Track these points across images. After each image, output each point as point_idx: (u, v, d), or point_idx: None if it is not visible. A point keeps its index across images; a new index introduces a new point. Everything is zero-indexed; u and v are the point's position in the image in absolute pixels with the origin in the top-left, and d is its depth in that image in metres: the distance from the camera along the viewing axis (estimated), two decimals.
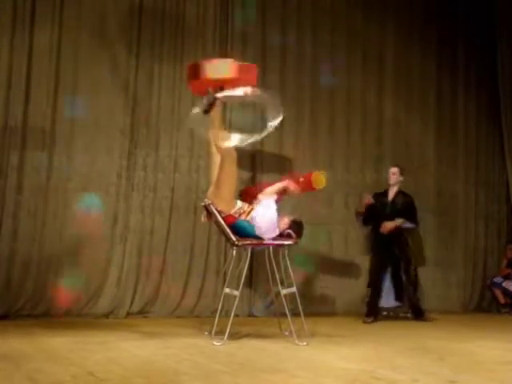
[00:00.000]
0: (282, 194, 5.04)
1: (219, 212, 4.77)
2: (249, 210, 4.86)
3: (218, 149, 4.85)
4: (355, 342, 4.80)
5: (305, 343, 4.55)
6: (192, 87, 5.28)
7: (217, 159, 4.91)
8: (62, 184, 6.22)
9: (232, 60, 5.05)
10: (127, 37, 6.56)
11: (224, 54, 6.91)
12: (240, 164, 6.57)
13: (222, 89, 4.86)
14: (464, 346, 4.74)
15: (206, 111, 4.79)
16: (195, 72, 4.98)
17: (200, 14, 6.90)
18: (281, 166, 7.09)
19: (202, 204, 4.88)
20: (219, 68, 4.90)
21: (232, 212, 4.80)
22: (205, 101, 4.79)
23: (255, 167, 6.93)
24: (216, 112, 4.83)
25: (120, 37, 6.53)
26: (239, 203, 4.88)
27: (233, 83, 4.86)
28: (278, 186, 5.00)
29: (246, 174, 6.76)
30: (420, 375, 3.44)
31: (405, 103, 7.87)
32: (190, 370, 3.48)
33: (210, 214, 4.85)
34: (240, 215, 4.82)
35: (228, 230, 4.75)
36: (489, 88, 8.30)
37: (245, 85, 4.84)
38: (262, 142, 6.85)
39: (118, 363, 3.60)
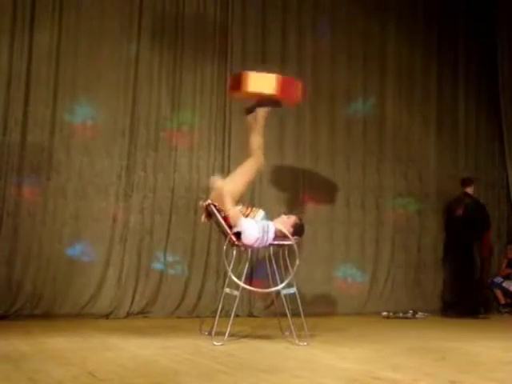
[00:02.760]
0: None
1: (219, 211, 4.76)
2: (248, 212, 4.86)
3: (252, 150, 4.97)
4: (355, 342, 4.80)
5: (305, 343, 4.54)
6: (234, 96, 5.29)
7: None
8: (62, 184, 6.23)
9: (276, 76, 4.95)
10: (127, 37, 6.57)
11: (224, 54, 6.92)
12: None
13: (268, 100, 4.92)
14: (464, 346, 4.74)
15: (247, 111, 4.99)
16: (238, 82, 4.93)
17: (200, 13, 6.90)
18: (281, 166, 7.09)
19: (204, 203, 4.86)
20: (262, 82, 4.87)
21: None
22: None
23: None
24: (254, 120, 4.98)
25: (120, 37, 6.54)
26: (239, 206, 4.87)
27: (275, 98, 4.91)
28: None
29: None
30: (420, 375, 3.44)
31: (406, 103, 7.88)
32: (190, 369, 3.48)
33: (210, 214, 4.84)
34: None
35: (228, 230, 4.74)
36: (489, 88, 8.30)
37: (288, 100, 5.00)
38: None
39: (118, 363, 3.60)
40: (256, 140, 4.97)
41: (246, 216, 4.80)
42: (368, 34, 7.69)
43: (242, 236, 4.66)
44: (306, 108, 7.27)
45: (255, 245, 4.68)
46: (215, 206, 4.74)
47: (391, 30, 7.85)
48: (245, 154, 5.05)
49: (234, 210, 4.70)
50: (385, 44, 7.82)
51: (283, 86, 4.89)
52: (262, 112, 5.00)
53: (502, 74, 8.20)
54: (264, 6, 7.19)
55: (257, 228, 4.66)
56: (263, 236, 4.66)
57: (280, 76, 4.95)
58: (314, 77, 7.37)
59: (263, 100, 4.97)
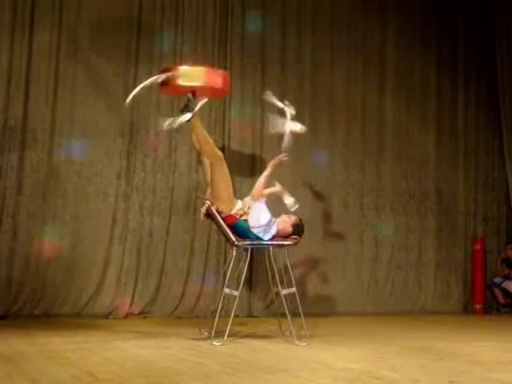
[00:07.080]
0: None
1: (219, 212, 4.77)
2: (249, 211, 4.85)
3: (203, 152, 4.89)
4: (355, 342, 4.80)
5: (305, 343, 4.54)
6: (164, 91, 5.27)
7: (205, 160, 4.96)
8: (62, 184, 6.23)
9: (204, 68, 5.03)
10: (127, 37, 6.56)
11: (224, 55, 6.93)
12: (240, 168, 6.63)
13: (194, 93, 4.78)
14: (464, 346, 4.74)
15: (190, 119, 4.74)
16: (167, 78, 4.89)
17: (200, 14, 6.90)
18: (281, 167, 7.07)
19: (204, 208, 4.86)
20: (192, 76, 4.85)
21: (232, 213, 4.80)
22: (186, 107, 4.73)
23: (255, 170, 6.88)
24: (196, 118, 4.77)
25: (119, 37, 6.54)
26: (239, 203, 4.87)
27: (205, 90, 4.87)
28: (267, 191, 4.98)
29: (247, 179, 6.70)
30: (420, 375, 3.44)
31: (405, 103, 7.88)
32: (190, 370, 3.48)
33: (209, 214, 4.84)
34: (241, 216, 4.82)
35: (228, 231, 4.75)
36: (488, 88, 8.30)
37: (216, 92, 5.02)
38: (261, 144, 6.87)
39: (118, 363, 3.60)
40: (205, 143, 4.79)
41: (243, 214, 4.81)
42: (368, 34, 7.69)
43: (252, 213, 4.71)
44: (305, 109, 7.27)
45: (255, 229, 4.69)
46: (216, 208, 4.75)
47: (391, 30, 7.85)
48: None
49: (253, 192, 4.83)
50: (384, 44, 7.82)
51: (211, 78, 4.91)
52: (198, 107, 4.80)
53: (502, 74, 8.20)
54: (264, 6, 7.18)
55: (268, 217, 4.70)
56: (267, 228, 4.69)
57: (207, 68, 5.11)
58: (313, 77, 7.37)
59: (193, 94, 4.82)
